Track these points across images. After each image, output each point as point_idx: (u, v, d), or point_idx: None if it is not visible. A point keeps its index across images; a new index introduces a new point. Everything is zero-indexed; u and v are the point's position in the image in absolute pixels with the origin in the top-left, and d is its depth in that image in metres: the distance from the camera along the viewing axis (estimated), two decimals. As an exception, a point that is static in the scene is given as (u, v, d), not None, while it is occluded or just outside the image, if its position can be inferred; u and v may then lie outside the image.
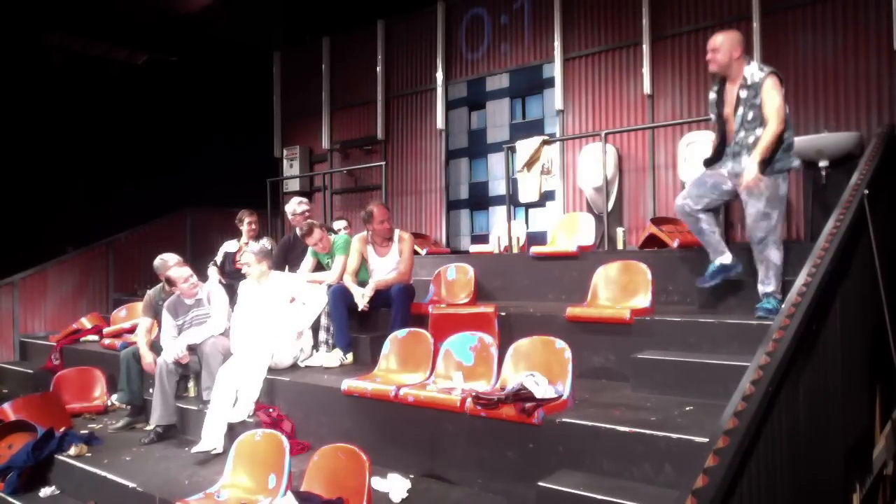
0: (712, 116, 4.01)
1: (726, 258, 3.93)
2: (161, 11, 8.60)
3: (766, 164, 3.64)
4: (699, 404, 3.23)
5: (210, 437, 4.21)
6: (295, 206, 5.89)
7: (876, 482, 3.62)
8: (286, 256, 5.74)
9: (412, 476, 3.52)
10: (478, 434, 3.41)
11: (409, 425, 3.74)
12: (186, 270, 5.07)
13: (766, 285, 3.74)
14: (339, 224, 6.91)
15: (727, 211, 5.64)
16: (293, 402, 4.41)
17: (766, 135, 3.61)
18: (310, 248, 5.41)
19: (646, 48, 6.60)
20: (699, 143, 5.78)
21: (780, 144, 3.66)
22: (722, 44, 3.76)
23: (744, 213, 3.92)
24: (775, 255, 3.72)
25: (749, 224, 3.79)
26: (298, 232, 5.25)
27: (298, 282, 5.11)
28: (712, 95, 3.99)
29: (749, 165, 3.63)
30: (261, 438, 3.50)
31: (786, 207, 3.90)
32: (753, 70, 3.72)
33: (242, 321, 4.90)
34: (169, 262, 5.51)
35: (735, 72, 3.78)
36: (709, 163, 4.02)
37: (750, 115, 3.71)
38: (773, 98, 3.62)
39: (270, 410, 4.34)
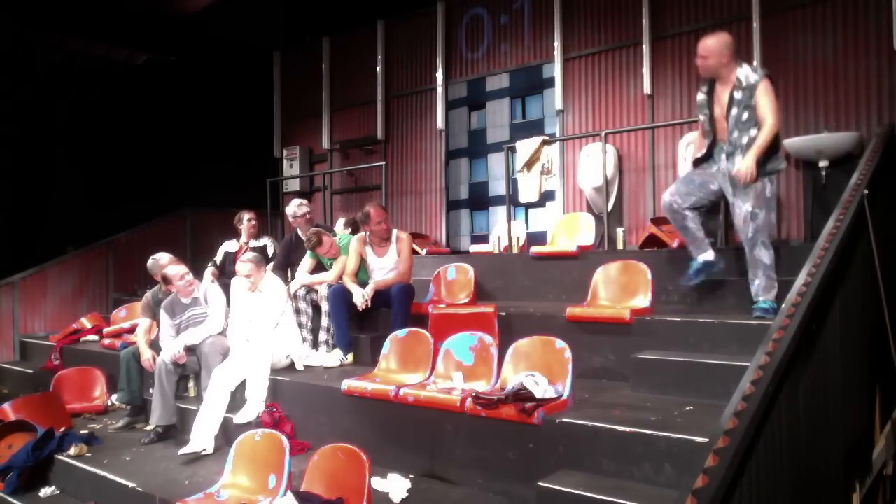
0: (701, 117, 4.03)
1: (709, 255, 3.98)
2: (161, 11, 8.59)
3: (758, 166, 3.66)
4: (699, 404, 3.23)
5: (200, 438, 4.22)
6: (295, 209, 5.88)
7: (876, 482, 3.63)
8: (289, 256, 5.73)
9: (412, 476, 3.52)
10: (478, 434, 3.41)
11: (408, 425, 3.73)
12: (182, 268, 5.06)
13: (758, 286, 3.76)
14: (342, 223, 6.90)
15: (727, 211, 5.63)
16: (293, 402, 4.41)
17: (764, 133, 3.66)
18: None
19: (646, 48, 6.60)
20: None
21: (774, 142, 3.71)
22: (712, 50, 3.79)
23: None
24: (764, 254, 3.74)
25: (738, 224, 3.83)
26: (307, 245, 5.25)
27: (282, 300, 4.97)
28: (701, 96, 4.02)
29: (746, 160, 3.66)
30: (261, 438, 3.50)
31: (775, 207, 3.93)
32: (747, 72, 3.75)
33: (239, 322, 4.88)
34: (161, 261, 5.50)
35: (726, 74, 3.81)
36: (698, 162, 4.05)
37: (745, 116, 3.74)
38: (767, 100, 3.68)
39: (273, 410, 4.34)
